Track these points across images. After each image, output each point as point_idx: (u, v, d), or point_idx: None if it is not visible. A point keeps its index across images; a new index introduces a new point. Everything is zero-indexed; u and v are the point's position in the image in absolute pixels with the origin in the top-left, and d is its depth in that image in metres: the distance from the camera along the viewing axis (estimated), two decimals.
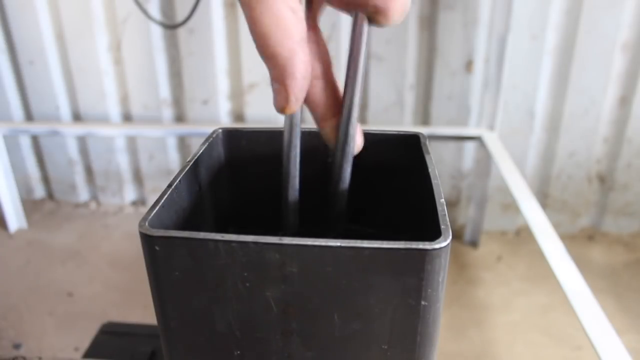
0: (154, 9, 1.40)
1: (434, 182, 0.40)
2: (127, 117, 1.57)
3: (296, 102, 0.34)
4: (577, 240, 1.47)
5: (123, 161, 1.63)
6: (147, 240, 0.33)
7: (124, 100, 1.55)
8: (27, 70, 1.52)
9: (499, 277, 1.32)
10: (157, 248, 0.33)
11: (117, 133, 1.52)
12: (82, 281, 1.31)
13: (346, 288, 0.33)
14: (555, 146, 1.41)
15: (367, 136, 0.50)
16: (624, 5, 1.24)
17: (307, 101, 0.37)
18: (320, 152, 0.47)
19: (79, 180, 1.68)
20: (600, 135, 1.39)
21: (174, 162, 1.60)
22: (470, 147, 1.44)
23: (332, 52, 0.40)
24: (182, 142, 1.58)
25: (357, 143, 0.38)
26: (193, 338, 0.36)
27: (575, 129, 1.38)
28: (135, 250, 1.43)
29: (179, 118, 1.55)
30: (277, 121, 1.48)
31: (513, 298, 1.24)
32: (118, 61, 1.50)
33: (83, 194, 1.71)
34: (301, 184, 0.45)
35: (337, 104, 0.38)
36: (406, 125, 1.43)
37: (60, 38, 1.49)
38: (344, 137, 0.38)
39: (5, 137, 1.51)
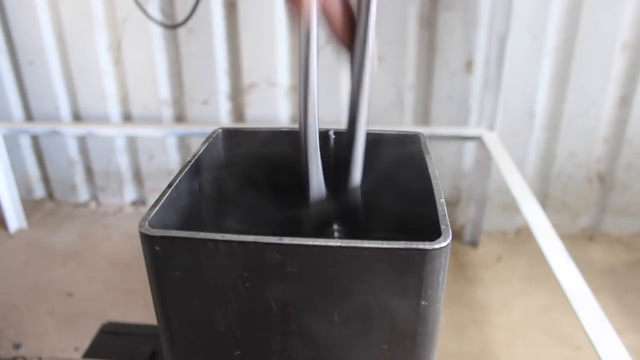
0: (154, 9, 1.40)
1: (434, 182, 0.40)
2: (127, 117, 1.57)
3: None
4: (577, 240, 1.47)
5: (123, 161, 1.63)
6: (147, 240, 0.33)
7: (124, 100, 1.55)
8: (27, 70, 1.52)
9: (499, 277, 1.31)
10: (157, 248, 0.33)
11: (117, 133, 1.52)
12: (82, 281, 1.31)
13: (346, 288, 0.33)
14: (555, 146, 1.41)
15: (367, 136, 0.51)
16: (624, 5, 1.24)
17: (325, 15, 0.37)
18: (322, 152, 0.47)
19: (79, 180, 1.68)
20: (600, 135, 1.39)
21: (174, 162, 1.60)
22: (470, 147, 1.44)
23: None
24: (182, 142, 1.58)
25: (374, 63, 0.38)
26: (193, 338, 0.36)
27: (575, 129, 1.38)
28: (135, 250, 1.43)
29: (179, 118, 1.55)
30: (277, 121, 1.48)
31: (513, 298, 1.24)
32: (118, 61, 1.50)
33: (83, 194, 1.71)
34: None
35: (353, 23, 0.37)
36: (406, 125, 1.43)
37: (60, 38, 1.49)
38: (360, 55, 0.37)
39: (5, 137, 1.51)
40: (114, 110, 1.56)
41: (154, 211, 0.36)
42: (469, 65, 1.35)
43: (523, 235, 1.50)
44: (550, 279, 0.80)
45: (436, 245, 0.31)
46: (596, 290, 0.77)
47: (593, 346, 0.65)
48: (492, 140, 1.29)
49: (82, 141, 1.62)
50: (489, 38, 1.31)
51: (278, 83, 1.43)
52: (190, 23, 1.34)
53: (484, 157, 1.35)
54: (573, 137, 1.39)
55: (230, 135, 0.50)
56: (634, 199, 1.44)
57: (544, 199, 1.48)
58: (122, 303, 1.23)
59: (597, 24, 1.26)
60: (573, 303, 0.72)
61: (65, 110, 1.57)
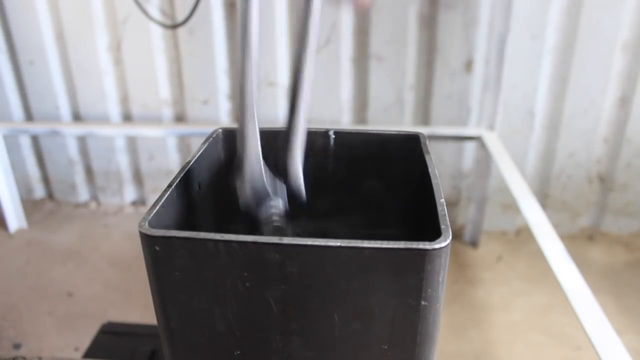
0: (154, 9, 1.40)
1: (434, 182, 0.40)
2: (127, 117, 1.57)
3: None
4: (577, 240, 1.47)
5: (123, 161, 1.63)
6: (147, 240, 0.33)
7: (124, 100, 1.55)
8: (27, 70, 1.52)
9: (499, 277, 1.31)
10: (157, 248, 0.33)
11: (117, 133, 1.52)
12: (82, 281, 1.31)
13: (346, 288, 0.33)
14: (555, 146, 1.41)
15: (367, 136, 0.51)
16: (624, 5, 1.24)
17: None
18: (316, 151, 0.47)
19: (79, 180, 1.68)
20: (600, 135, 1.39)
21: (174, 162, 1.60)
22: (470, 147, 1.44)
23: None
24: (182, 142, 1.58)
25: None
26: (193, 338, 0.36)
27: (575, 129, 1.38)
28: (135, 250, 1.43)
29: (179, 118, 1.55)
30: (277, 121, 1.48)
31: (513, 298, 1.24)
32: (118, 61, 1.50)
33: (83, 194, 1.71)
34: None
35: None
36: (406, 125, 1.43)
37: (60, 38, 1.49)
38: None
39: (5, 137, 1.51)
40: (114, 110, 1.56)
41: (154, 211, 0.36)
42: (469, 65, 1.35)
43: (523, 235, 1.50)
44: (550, 279, 0.80)
45: (436, 245, 0.31)
46: (596, 290, 0.77)
47: (593, 346, 0.65)
48: (492, 140, 1.29)
49: (82, 141, 1.62)
50: (489, 38, 1.31)
51: (278, 83, 1.43)
52: (190, 23, 1.34)
53: (484, 157, 1.35)
54: (573, 137, 1.39)
55: (230, 135, 0.50)
56: (634, 199, 1.44)
57: (544, 199, 1.48)
58: (122, 303, 1.23)
59: (597, 23, 1.26)
60: (573, 303, 0.72)
61: (65, 110, 1.57)
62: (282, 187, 0.41)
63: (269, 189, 0.40)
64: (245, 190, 0.39)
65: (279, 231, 0.40)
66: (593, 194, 1.47)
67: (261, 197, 0.40)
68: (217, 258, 0.32)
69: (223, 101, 1.49)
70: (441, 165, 1.46)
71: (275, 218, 0.40)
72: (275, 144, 0.50)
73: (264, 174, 0.40)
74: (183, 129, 1.46)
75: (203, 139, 0.48)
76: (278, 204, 0.40)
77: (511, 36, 1.23)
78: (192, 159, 0.45)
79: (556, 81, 1.34)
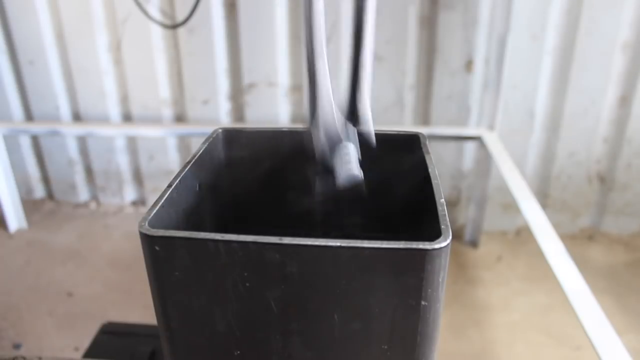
0: (154, 9, 1.40)
1: (434, 182, 0.40)
2: (127, 117, 1.57)
3: None
4: (577, 240, 1.47)
5: (123, 161, 1.63)
6: (147, 240, 0.33)
7: (124, 100, 1.55)
8: (27, 70, 1.52)
9: (499, 277, 1.31)
10: (157, 248, 0.33)
11: (117, 133, 1.52)
12: (82, 281, 1.31)
13: (346, 288, 0.33)
14: (555, 146, 1.41)
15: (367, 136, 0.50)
16: (624, 5, 1.24)
17: None
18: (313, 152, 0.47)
19: (79, 180, 1.68)
20: (600, 135, 1.39)
21: (174, 162, 1.60)
22: (470, 147, 1.44)
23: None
24: (182, 142, 1.58)
25: None
26: (193, 338, 0.36)
27: (575, 129, 1.38)
28: (135, 250, 1.43)
29: (179, 118, 1.55)
30: (277, 121, 1.48)
31: (513, 298, 1.24)
32: (118, 61, 1.50)
33: (83, 194, 1.71)
34: (298, 184, 0.44)
35: None
36: (406, 125, 1.43)
37: (60, 38, 1.49)
38: None
39: (5, 137, 1.51)
40: (114, 110, 1.56)
41: (154, 211, 0.36)
42: (469, 65, 1.35)
43: (523, 235, 1.50)
44: (550, 279, 0.80)
45: (436, 245, 0.31)
46: (596, 290, 0.77)
47: (593, 346, 0.65)
48: (492, 140, 1.29)
49: (82, 141, 1.62)
50: (489, 38, 1.31)
51: (278, 83, 1.43)
52: (190, 23, 1.34)
53: (484, 157, 1.35)
54: (573, 137, 1.39)
55: (230, 135, 0.51)
56: (634, 199, 1.44)
57: (544, 199, 1.48)
58: (122, 303, 1.23)
59: (597, 23, 1.26)
60: (573, 303, 0.72)
61: (65, 110, 1.57)
62: (353, 131, 0.42)
63: (341, 134, 0.41)
64: (319, 136, 0.40)
65: (353, 178, 0.40)
66: (593, 194, 1.47)
67: (334, 142, 0.41)
68: (217, 258, 0.32)
69: (223, 101, 1.49)
70: (441, 165, 1.46)
71: (347, 159, 0.40)
72: (272, 143, 0.50)
73: (335, 119, 0.41)
74: (183, 129, 1.46)
75: (203, 139, 0.48)
76: (351, 149, 0.41)
77: (511, 36, 1.23)
78: (192, 159, 0.45)
79: (556, 81, 1.34)
